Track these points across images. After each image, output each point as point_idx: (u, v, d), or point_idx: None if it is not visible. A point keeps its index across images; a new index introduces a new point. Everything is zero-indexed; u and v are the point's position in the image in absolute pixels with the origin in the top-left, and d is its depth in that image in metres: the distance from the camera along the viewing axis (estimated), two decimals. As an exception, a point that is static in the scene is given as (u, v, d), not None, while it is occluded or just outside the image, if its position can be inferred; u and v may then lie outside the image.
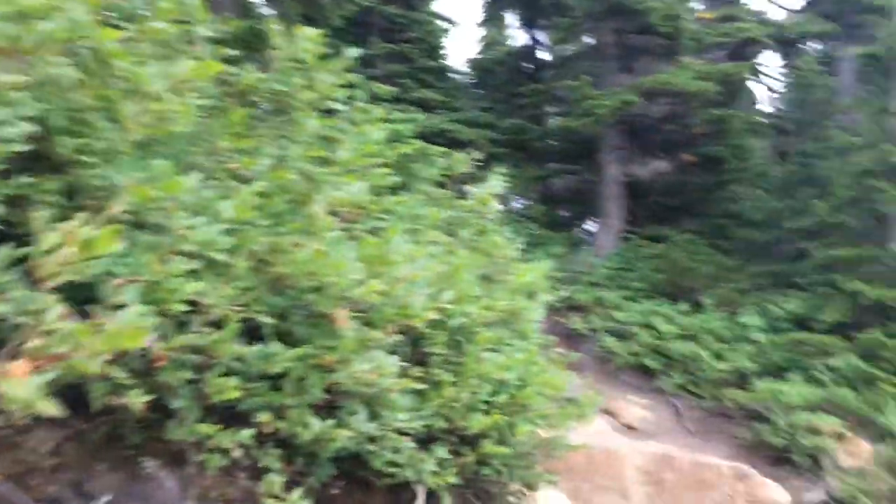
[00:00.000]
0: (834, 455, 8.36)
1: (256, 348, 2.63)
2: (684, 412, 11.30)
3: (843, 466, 8.16)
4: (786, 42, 22.64)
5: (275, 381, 2.72)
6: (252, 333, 2.67)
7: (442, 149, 11.77)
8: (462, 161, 7.02)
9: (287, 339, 2.74)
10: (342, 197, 3.40)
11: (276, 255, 2.81)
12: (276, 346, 2.65)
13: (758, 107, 20.06)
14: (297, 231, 2.92)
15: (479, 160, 6.87)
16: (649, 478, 8.70)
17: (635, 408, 11.67)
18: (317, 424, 2.76)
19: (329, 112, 3.83)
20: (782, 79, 23.90)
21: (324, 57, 3.59)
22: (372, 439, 3.02)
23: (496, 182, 5.56)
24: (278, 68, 3.62)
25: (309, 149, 3.48)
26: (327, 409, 2.89)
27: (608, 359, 12.76)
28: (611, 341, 12.64)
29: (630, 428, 11.40)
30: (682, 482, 8.27)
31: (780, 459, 9.03)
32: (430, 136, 18.76)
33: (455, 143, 19.33)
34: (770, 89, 22.73)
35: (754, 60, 21.21)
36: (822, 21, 20.21)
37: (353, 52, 3.83)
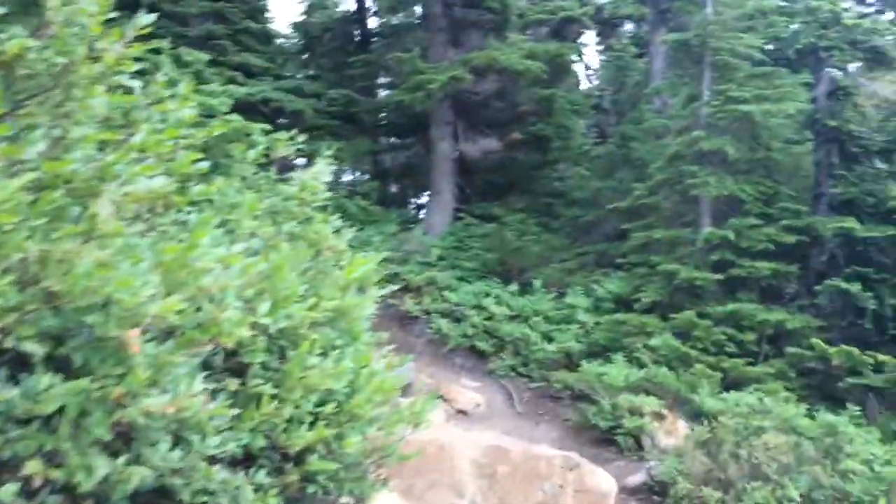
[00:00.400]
0: (654, 435, 8.70)
1: (21, 384, 2.12)
2: (516, 395, 11.39)
3: (662, 447, 8.50)
4: (602, 23, 23.56)
5: (48, 421, 2.18)
6: (18, 364, 2.16)
7: (263, 125, 10.80)
8: (284, 141, 6.30)
9: (64, 369, 2.23)
10: (138, 190, 2.75)
11: (49, 267, 2.22)
12: (47, 380, 2.12)
13: (580, 87, 20.69)
14: (77, 235, 2.28)
15: (303, 140, 6.23)
16: (482, 471, 8.58)
17: (469, 392, 11.61)
18: (103, 467, 2.22)
19: (124, 88, 3.09)
20: (600, 59, 24.98)
21: (110, 21, 2.83)
22: (177, 471, 2.47)
23: (323, 165, 5.00)
24: (55, 34, 2.83)
25: (96, 132, 2.78)
26: (122, 440, 2.34)
27: (442, 342, 12.60)
28: (443, 323, 12.47)
29: (463, 413, 11.33)
30: (515, 474, 8.22)
31: (607, 441, 9.28)
32: (252, 106, 17.44)
33: (280, 114, 18.15)
34: (588, 68, 23.62)
35: (576, 40, 21.90)
36: (635, 4, 21.17)
37: (146, 18, 3.04)
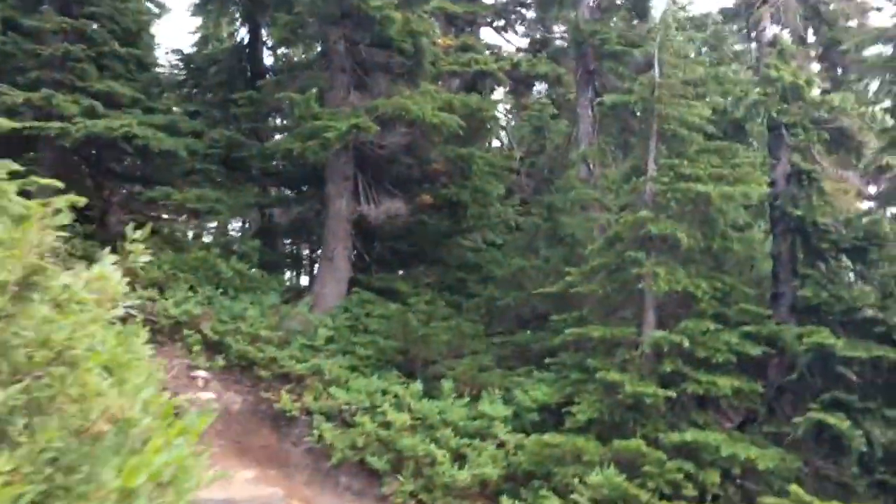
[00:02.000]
0: None
1: None
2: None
3: None
4: (518, 80, 22.10)
5: None
6: None
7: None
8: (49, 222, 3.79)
9: None
10: None
11: None
12: None
13: (495, 146, 18.93)
14: None
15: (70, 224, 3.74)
16: None
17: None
18: None
19: None
20: (514, 119, 23.47)
21: None
22: None
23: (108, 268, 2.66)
24: None
25: None
26: None
27: (325, 453, 10.00)
28: (327, 428, 9.87)
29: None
30: None
31: None
32: (111, 143, 14.50)
33: (146, 153, 15.27)
34: (502, 128, 21.99)
35: (490, 95, 20.26)
36: (551, 64, 19.80)
37: None
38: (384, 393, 10.30)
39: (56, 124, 13.38)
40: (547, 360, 10.20)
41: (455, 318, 11.70)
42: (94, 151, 15.33)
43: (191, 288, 12.64)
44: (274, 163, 14.45)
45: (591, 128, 15.47)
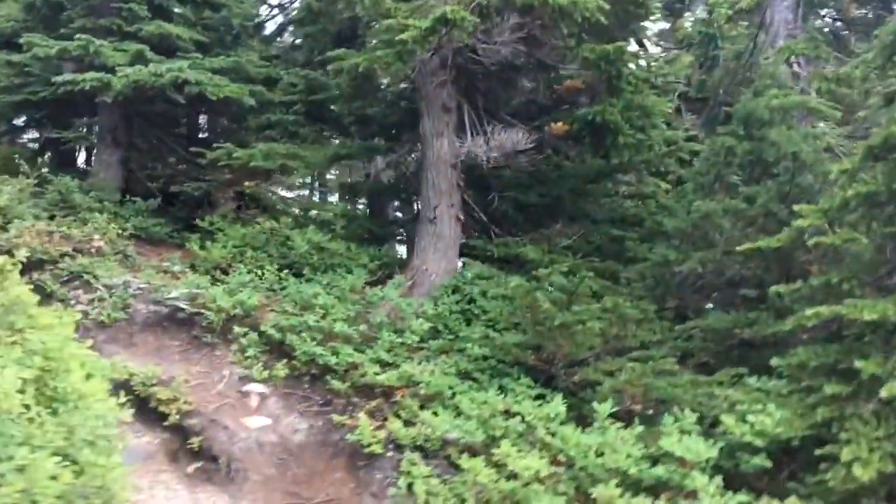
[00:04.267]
0: None
1: None
2: None
3: None
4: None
5: None
6: None
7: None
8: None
9: None
10: None
11: None
12: None
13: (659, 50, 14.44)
14: None
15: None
16: None
17: None
18: None
19: None
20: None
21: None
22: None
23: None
24: None
25: None
26: None
27: (419, 508, 6.63)
28: (421, 475, 6.40)
29: None
30: None
31: None
32: (159, 92, 11.83)
33: (203, 104, 12.49)
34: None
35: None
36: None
37: None
38: (507, 415, 6.70)
39: (92, 75, 10.79)
40: (774, 361, 6.12)
41: (610, 296, 7.81)
42: (153, 108, 12.76)
43: (259, 269, 9.68)
44: (358, 103, 11.11)
45: (792, 13, 10.85)
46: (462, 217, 9.72)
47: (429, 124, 9.62)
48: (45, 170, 11.87)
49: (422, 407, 7.13)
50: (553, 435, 6.27)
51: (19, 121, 14.83)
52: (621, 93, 9.22)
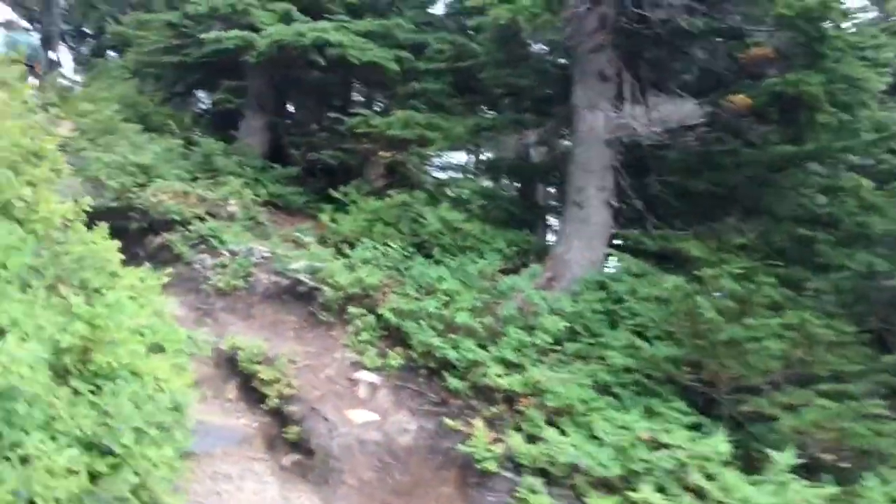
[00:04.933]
0: None
1: None
2: None
3: None
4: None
5: None
6: None
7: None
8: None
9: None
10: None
11: None
12: None
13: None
14: None
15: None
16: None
17: None
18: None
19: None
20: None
21: None
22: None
23: None
24: None
25: None
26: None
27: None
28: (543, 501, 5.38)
29: None
30: None
31: None
32: (298, 56, 11.39)
33: (341, 69, 11.97)
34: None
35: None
36: None
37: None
38: (652, 446, 5.45)
39: (236, 33, 10.55)
40: None
41: (794, 309, 6.28)
42: (305, 76, 12.42)
43: (384, 245, 8.98)
44: (507, 71, 10.07)
45: None
46: (614, 203, 8.43)
47: (581, 94, 8.39)
48: (196, 131, 11.92)
49: (548, 422, 6.04)
50: (711, 479, 4.97)
51: (182, 85, 15.18)
52: (823, 60, 7.49)
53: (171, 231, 9.25)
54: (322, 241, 9.87)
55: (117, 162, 10.03)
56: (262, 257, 8.75)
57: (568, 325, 7.17)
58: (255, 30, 10.71)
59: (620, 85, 8.23)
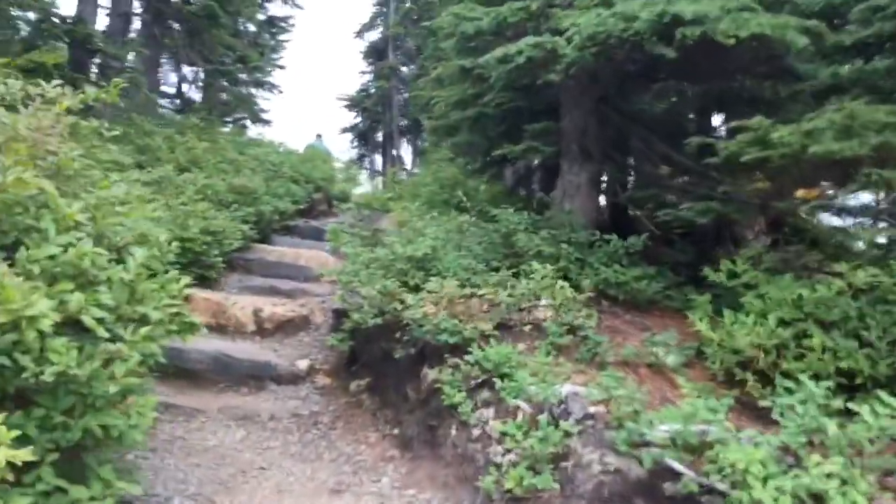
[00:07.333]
0: None
1: None
2: None
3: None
4: None
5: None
6: None
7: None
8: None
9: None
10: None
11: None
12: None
13: None
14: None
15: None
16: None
17: None
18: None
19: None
20: None
21: None
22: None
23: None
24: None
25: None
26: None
27: None
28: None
29: None
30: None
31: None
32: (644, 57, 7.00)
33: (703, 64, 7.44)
34: None
35: None
36: None
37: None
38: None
39: (533, 39, 6.98)
40: None
41: None
42: (630, 89, 8.36)
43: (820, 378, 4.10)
44: None
45: None
46: None
47: None
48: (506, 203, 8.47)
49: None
50: None
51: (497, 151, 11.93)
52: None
53: (443, 362, 5.67)
54: (704, 364, 5.39)
55: (380, 259, 6.97)
56: (588, 415, 4.57)
57: None
58: (559, 33, 6.93)
59: None
